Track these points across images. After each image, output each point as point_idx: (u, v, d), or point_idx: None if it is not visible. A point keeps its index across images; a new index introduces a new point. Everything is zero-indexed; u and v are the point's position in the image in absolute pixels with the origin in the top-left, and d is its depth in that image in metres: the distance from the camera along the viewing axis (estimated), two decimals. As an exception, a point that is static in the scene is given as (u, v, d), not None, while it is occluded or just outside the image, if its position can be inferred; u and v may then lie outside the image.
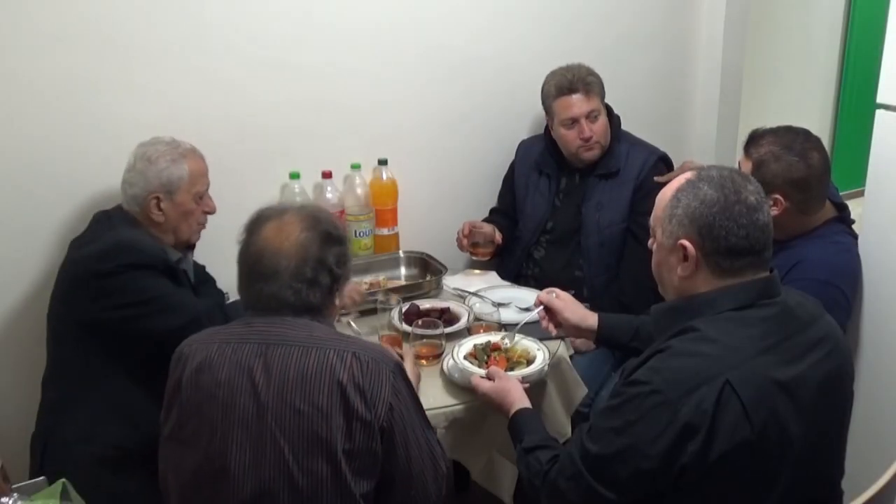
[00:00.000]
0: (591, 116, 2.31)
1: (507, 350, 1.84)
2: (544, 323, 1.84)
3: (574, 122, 2.32)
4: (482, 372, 1.70)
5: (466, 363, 1.77)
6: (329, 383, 1.30)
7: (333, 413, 1.30)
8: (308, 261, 1.38)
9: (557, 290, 1.88)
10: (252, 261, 1.39)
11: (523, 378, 1.70)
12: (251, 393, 1.32)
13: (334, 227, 1.44)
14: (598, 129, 2.33)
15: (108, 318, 1.74)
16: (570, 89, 2.32)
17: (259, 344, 1.35)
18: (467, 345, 1.85)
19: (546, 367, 1.80)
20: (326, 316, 1.44)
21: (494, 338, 1.89)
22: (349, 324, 1.99)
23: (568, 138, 2.36)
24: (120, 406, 1.77)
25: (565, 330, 1.85)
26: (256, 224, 1.42)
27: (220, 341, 1.38)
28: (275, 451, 1.30)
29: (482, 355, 1.81)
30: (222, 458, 1.32)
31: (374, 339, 1.96)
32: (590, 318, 1.81)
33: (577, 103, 2.31)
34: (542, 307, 1.85)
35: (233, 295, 1.95)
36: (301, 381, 1.31)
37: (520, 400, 1.60)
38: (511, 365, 1.78)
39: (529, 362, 1.79)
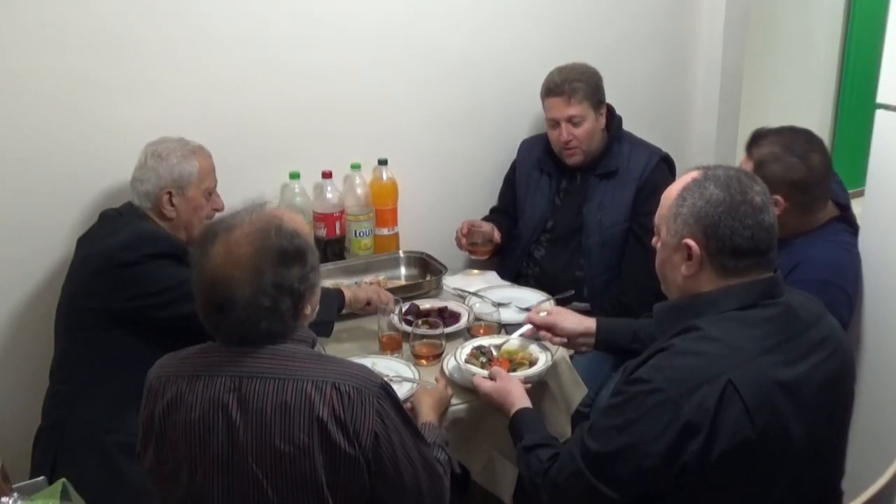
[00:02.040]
0: (572, 121, 2.30)
1: (510, 352, 1.83)
2: (543, 334, 1.82)
3: (556, 123, 2.33)
4: (484, 372, 1.70)
5: (469, 364, 1.76)
6: (308, 420, 1.23)
7: (315, 451, 1.23)
8: (263, 287, 1.25)
9: (546, 307, 1.88)
10: (205, 290, 1.27)
11: (525, 379, 1.70)
12: (227, 432, 1.25)
13: (290, 239, 1.29)
14: (579, 134, 2.31)
15: (132, 307, 1.77)
16: (552, 91, 2.32)
17: (232, 377, 1.27)
18: (469, 347, 1.85)
19: (550, 359, 1.80)
20: (297, 330, 1.33)
21: (485, 341, 1.87)
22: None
23: (552, 138, 2.38)
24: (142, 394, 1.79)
25: (569, 339, 1.82)
26: (205, 243, 1.29)
27: (190, 374, 1.30)
28: (258, 491, 1.25)
29: (482, 357, 1.81)
30: (205, 499, 1.28)
31: (374, 340, 1.96)
32: (587, 321, 1.81)
33: (557, 106, 2.31)
34: (529, 326, 1.84)
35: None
36: (280, 417, 1.23)
37: (521, 400, 1.60)
38: (513, 366, 1.77)
39: (532, 364, 1.79)
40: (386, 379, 1.70)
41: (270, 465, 1.24)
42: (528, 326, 1.85)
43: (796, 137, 1.83)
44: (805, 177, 1.78)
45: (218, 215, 1.86)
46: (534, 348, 1.85)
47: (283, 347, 1.30)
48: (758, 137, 1.87)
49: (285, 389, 1.24)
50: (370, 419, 1.25)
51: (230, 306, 1.25)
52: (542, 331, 1.82)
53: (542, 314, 1.84)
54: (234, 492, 1.26)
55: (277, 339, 1.30)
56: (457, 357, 1.79)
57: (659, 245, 1.40)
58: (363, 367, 1.34)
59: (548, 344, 1.86)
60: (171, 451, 1.30)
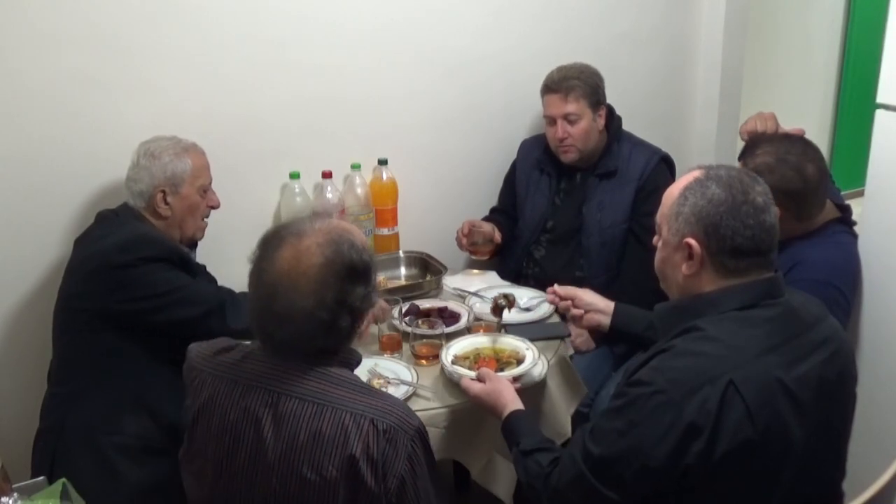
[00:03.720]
0: (568, 119, 2.31)
1: (496, 350, 1.82)
2: (564, 304, 1.83)
3: (553, 120, 2.33)
4: (472, 373, 1.68)
5: (456, 366, 1.74)
6: (340, 454, 1.19)
7: (340, 486, 1.20)
8: (326, 302, 1.21)
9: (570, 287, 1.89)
10: (265, 296, 1.24)
11: (514, 378, 1.68)
12: (256, 447, 1.24)
13: (359, 254, 1.25)
14: (574, 132, 2.32)
15: (126, 310, 1.77)
16: (550, 88, 2.33)
17: (270, 392, 1.24)
18: (455, 347, 1.83)
19: (544, 369, 1.79)
20: (345, 352, 1.32)
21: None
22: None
23: (548, 135, 2.39)
24: (139, 396, 1.80)
25: (586, 311, 1.81)
26: (271, 246, 1.25)
27: (229, 378, 1.28)
28: None
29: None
30: None
31: (373, 340, 1.96)
32: (607, 301, 1.80)
33: (554, 103, 2.32)
34: (552, 295, 1.85)
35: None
36: (311, 445, 1.20)
37: (512, 401, 1.57)
38: (501, 366, 1.75)
39: (519, 362, 1.77)
40: (384, 382, 1.72)
41: (294, 490, 1.22)
42: (551, 296, 1.86)
43: (791, 147, 1.80)
44: (800, 188, 1.77)
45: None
46: (520, 346, 1.83)
47: (329, 371, 1.26)
48: (751, 146, 1.85)
49: (322, 416, 1.21)
50: (401, 462, 1.22)
51: (288, 318, 1.22)
52: (563, 301, 1.82)
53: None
54: None
55: (327, 356, 1.27)
56: (443, 359, 1.77)
57: (660, 244, 1.40)
58: (404, 407, 1.30)
59: (547, 342, 1.86)
60: (200, 450, 1.30)
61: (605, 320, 1.78)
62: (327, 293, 1.22)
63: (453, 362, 1.77)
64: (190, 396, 1.34)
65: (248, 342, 1.36)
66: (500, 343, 1.86)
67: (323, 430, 1.21)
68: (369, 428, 1.21)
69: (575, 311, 1.81)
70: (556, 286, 1.88)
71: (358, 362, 1.36)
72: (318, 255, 1.22)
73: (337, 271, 1.23)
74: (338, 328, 1.24)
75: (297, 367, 1.26)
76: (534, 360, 1.77)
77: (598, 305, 1.80)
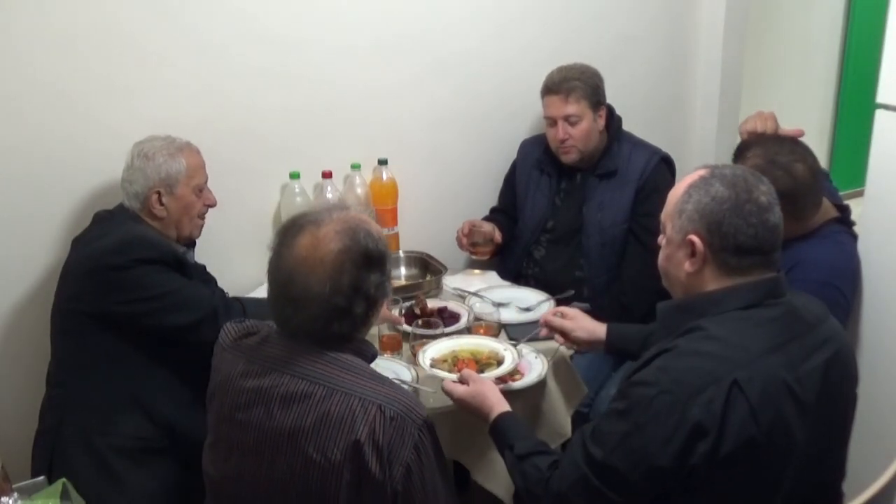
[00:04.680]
0: (569, 120, 2.31)
1: (474, 352, 1.80)
2: (557, 338, 1.82)
3: (553, 121, 2.33)
4: (453, 376, 1.64)
5: (436, 369, 1.71)
6: (346, 437, 1.21)
7: (345, 469, 1.22)
8: (342, 288, 1.25)
9: (563, 309, 1.85)
10: (282, 281, 1.27)
11: (497, 379, 1.66)
12: (265, 427, 1.26)
13: (374, 242, 1.30)
14: (575, 133, 2.32)
15: (120, 311, 1.76)
16: (550, 89, 2.33)
17: (282, 374, 1.27)
18: (431, 351, 1.79)
19: (544, 370, 1.78)
20: (357, 340, 1.34)
21: (501, 348, 1.83)
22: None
23: (549, 136, 2.39)
24: (136, 397, 1.80)
25: (578, 346, 1.81)
26: (290, 233, 1.29)
27: (246, 359, 1.32)
28: (282, 495, 1.26)
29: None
30: (237, 486, 1.31)
31: (374, 341, 1.96)
32: (599, 331, 1.79)
33: (554, 104, 2.32)
34: (545, 329, 1.83)
35: (233, 294, 1.96)
36: (318, 427, 1.23)
37: (499, 403, 1.53)
38: (481, 367, 1.72)
39: (500, 363, 1.75)
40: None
41: (300, 470, 1.24)
42: (544, 329, 1.84)
43: (780, 148, 1.80)
44: (791, 188, 1.76)
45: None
46: (498, 347, 1.81)
47: (343, 357, 1.29)
48: (742, 150, 1.85)
49: (331, 400, 1.24)
50: (407, 450, 1.23)
51: (304, 302, 1.25)
52: (556, 334, 1.81)
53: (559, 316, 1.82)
54: (263, 488, 1.27)
55: (341, 342, 1.30)
56: (421, 363, 1.74)
57: (664, 242, 1.40)
58: (413, 398, 1.32)
59: (547, 342, 1.85)
60: (214, 426, 1.34)
61: (599, 347, 1.79)
62: (343, 279, 1.25)
63: (431, 366, 1.74)
64: (212, 372, 1.38)
65: (272, 326, 1.38)
66: (476, 345, 1.83)
67: (331, 412, 1.23)
68: (376, 413, 1.22)
69: (567, 344, 1.81)
70: (544, 319, 1.85)
71: (373, 356, 1.37)
72: (335, 241, 1.26)
73: (353, 258, 1.26)
74: (353, 314, 1.28)
75: (310, 351, 1.28)
76: (514, 361, 1.75)
77: (587, 341, 1.79)
